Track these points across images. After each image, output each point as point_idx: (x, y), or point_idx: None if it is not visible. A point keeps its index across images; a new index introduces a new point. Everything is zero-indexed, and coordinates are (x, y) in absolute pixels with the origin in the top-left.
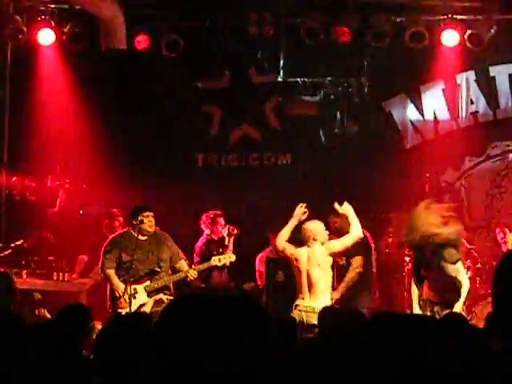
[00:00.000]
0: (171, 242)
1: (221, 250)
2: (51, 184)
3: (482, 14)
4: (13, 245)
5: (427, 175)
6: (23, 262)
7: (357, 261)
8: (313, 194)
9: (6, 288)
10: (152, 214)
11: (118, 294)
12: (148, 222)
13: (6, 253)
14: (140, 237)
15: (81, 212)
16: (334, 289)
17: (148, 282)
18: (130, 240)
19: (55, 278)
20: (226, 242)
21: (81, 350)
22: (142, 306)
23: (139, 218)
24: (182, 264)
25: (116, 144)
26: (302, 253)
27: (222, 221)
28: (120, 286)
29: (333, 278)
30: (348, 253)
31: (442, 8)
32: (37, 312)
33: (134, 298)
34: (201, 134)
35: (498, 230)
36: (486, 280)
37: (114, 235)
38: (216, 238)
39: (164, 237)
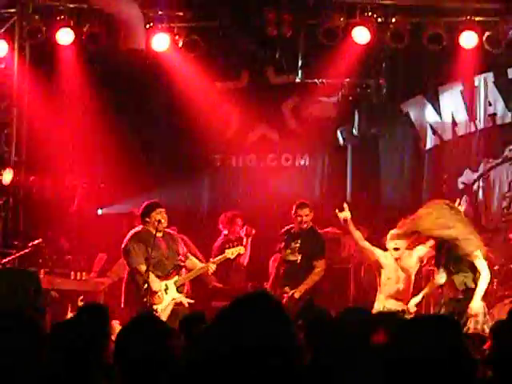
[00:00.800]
0: (181, 241)
1: None
2: (69, 183)
3: (500, 15)
4: (31, 244)
5: (445, 176)
6: (41, 261)
7: (321, 264)
8: (330, 195)
9: (34, 288)
10: (164, 209)
11: (154, 290)
12: (162, 216)
13: (25, 252)
14: (157, 233)
15: (99, 211)
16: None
17: (176, 277)
18: (150, 236)
19: (73, 277)
20: (244, 243)
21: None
22: (173, 300)
23: (153, 216)
24: (192, 261)
25: (134, 144)
26: None
27: (239, 221)
28: (156, 280)
29: None
30: (313, 255)
31: (460, 9)
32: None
33: (166, 293)
34: (219, 134)
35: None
36: (503, 282)
37: (132, 233)
38: (234, 238)
39: (175, 235)
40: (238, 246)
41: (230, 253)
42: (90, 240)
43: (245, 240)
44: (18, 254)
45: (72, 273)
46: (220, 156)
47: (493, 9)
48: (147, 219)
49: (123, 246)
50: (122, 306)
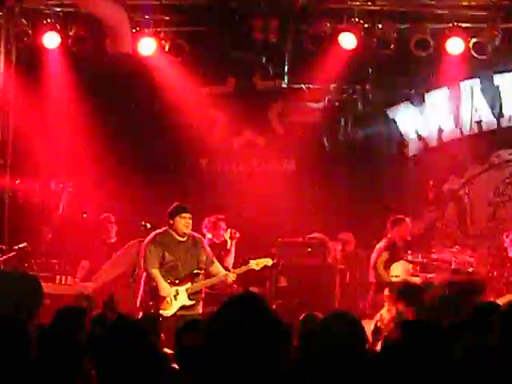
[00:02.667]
0: (206, 246)
1: (222, 253)
2: (55, 187)
3: (486, 22)
4: (16, 247)
5: (431, 182)
6: (26, 265)
7: None
8: (315, 201)
9: (34, 291)
10: (190, 215)
11: (162, 295)
12: (185, 223)
13: (10, 255)
14: (179, 237)
15: (84, 215)
16: None
17: (189, 284)
18: (171, 240)
19: (58, 281)
20: (229, 246)
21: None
22: (182, 307)
23: (177, 220)
24: (217, 267)
25: (120, 147)
26: None
27: (223, 225)
28: (166, 287)
29: None
30: None
31: (447, 16)
32: None
33: (176, 299)
34: (205, 139)
35: (506, 234)
36: (488, 289)
37: (153, 235)
38: (218, 242)
39: (200, 240)
40: (226, 255)
41: (255, 263)
42: (76, 244)
43: (229, 243)
44: (3, 258)
45: (57, 277)
46: (206, 160)
47: (479, 16)
48: (171, 222)
49: (142, 246)
50: (138, 305)
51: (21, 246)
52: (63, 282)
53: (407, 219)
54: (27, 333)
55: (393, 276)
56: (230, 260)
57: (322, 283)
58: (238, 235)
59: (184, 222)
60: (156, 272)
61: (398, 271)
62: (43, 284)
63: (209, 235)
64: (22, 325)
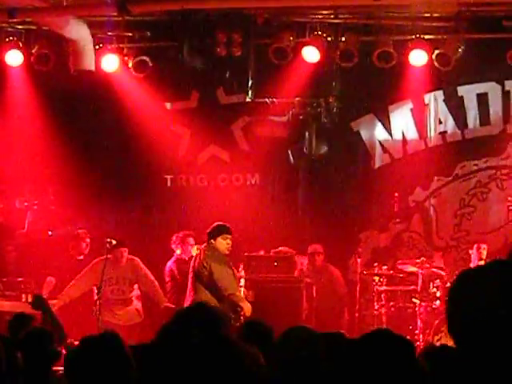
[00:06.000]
0: None
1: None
2: (19, 205)
3: (449, 33)
4: None
5: (396, 195)
6: None
7: None
8: (281, 215)
9: None
10: (230, 236)
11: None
12: (227, 244)
13: None
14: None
15: (50, 233)
16: None
17: None
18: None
19: (24, 299)
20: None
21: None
22: None
23: (219, 240)
24: None
25: (84, 164)
26: None
27: (191, 240)
28: (249, 307)
29: None
30: None
31: (409, 28)
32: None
33: None
34: (169, 154)
35: (476, 245)
36: None
37: (215, 255)
38: (187, 258)
39: None
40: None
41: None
42: (41, 262)
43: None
44: None
45: (23, 295)
46: (171, 176)
47: (442, 27)
48: (212, 241)
49: (211, 268)
50: None
51: None
52: (29, 301)
53: None
54: None
55: None
56: None
57: (288, 297)
58: None
59: (226, 244)
60: (240, 294)
61: None
62: (9, 303)
63: (178, 251)
64: None
